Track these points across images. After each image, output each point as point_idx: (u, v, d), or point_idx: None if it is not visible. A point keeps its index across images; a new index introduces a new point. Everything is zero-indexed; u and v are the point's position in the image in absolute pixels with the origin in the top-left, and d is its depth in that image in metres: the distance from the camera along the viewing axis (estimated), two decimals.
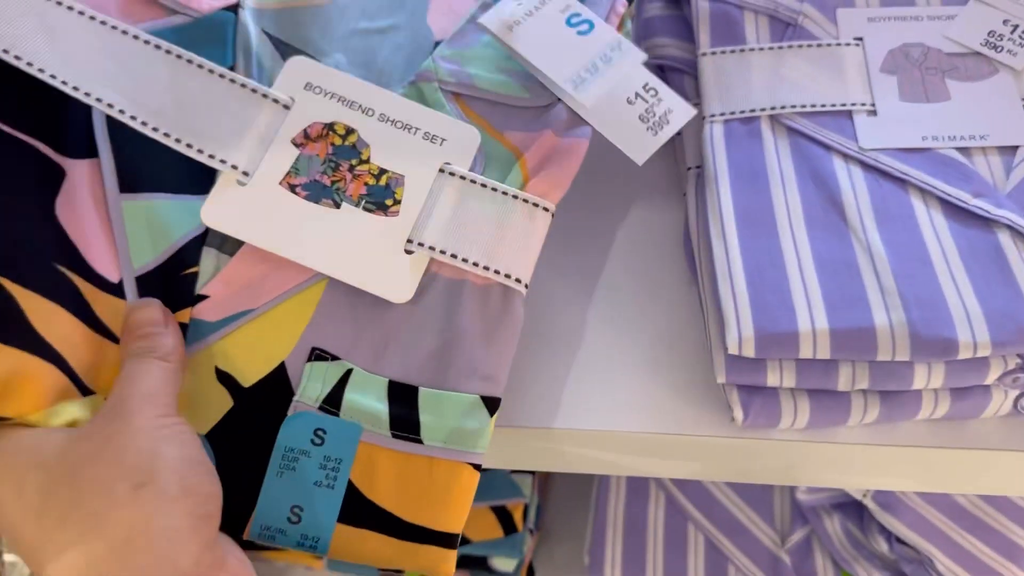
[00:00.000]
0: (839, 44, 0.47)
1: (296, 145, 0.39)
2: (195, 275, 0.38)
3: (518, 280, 0.38)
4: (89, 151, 0.38)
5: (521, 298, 0.38)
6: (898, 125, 0.44)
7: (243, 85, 0.39)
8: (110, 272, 0.37)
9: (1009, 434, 0.41)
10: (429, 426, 0.36)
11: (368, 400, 0.37)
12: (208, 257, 0.38)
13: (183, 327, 0.37)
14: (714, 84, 0.46)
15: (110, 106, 0.37)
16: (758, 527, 0.69)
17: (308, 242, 0.38)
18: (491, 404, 0.37)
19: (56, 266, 0.35)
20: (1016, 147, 0.43)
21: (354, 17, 0.43)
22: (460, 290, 0.38)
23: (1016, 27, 0.46)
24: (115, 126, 0.38)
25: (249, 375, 0.37)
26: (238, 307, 0.38)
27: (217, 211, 0.38)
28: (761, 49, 0.47)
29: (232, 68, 0.40)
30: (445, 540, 0.36)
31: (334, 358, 0.37)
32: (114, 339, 0.36)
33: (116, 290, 0.37)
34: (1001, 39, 0.46)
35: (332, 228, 0.38)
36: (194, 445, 0.33)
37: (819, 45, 0.47)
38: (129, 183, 0.38)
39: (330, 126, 0.39)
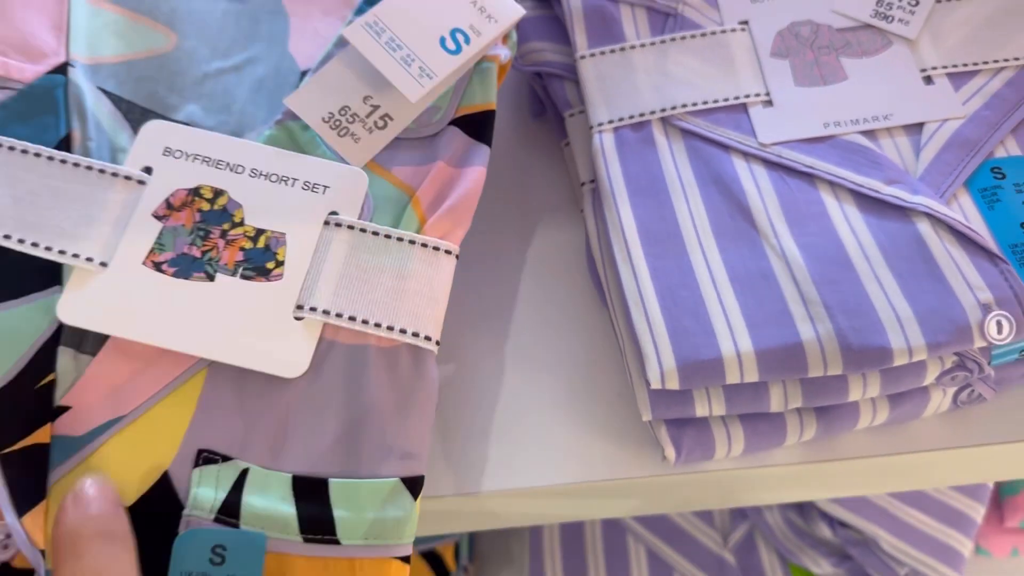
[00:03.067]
0: (724, 31, 0.43)
1: (158, 218, 0.34)
2: (51, 384, 0.33)
3: (427, 338, 0.34)
4: None
5: (433, 357, 0.34)
6: (796, 114, 0.41)
7: (88, 168, 0.34)
8: None
9: (950, 432, 0.39)
10: (345, 523, 0.32)
11: (271, 502, 0.32)
12: (65, 360, 0.33)
13: (41, 449, 0.32)
14: (597, 89, 0.42)
15: None
16: (699, 529, 0.66)
17: (181, 325, 0.33)
18: (414, 485, 0.33)
19: None
20: (922, 124, 0.40)
21: (204, 58, 0.38)
22: (362, 357, 0.34)
23: None
24: None
25: (128, 492, 0.32)
26: (106, 415, 0.33)
27: (74, 306, 0.33)
28: (643, 46, 0.43)
29: (67, 137, 0.35)
30: None
31: (225, 459, 0.33)
32: None
33: None
34: (891, 8, 0.43)
35: (207, 304, 0.33)
36: None
37: (703, 34, 0.43)
38: None
39: (195, 191, 0.35)
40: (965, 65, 0.42)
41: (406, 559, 0.32)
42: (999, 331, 0.34)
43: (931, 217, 0.37)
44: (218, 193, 0.35)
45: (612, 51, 0.43)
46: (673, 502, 0.41)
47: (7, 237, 0.33)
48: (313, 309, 0.34)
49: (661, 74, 0.42)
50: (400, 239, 0.35)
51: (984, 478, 0.42)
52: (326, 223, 0.35)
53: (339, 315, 0.33)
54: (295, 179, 0.35)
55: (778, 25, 0.43)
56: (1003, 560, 0.71)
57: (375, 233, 0.35)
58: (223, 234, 0.34)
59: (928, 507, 0.63)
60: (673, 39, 0.43)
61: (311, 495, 0.32)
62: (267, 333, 0.33)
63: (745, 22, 0.44)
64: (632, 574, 0.65)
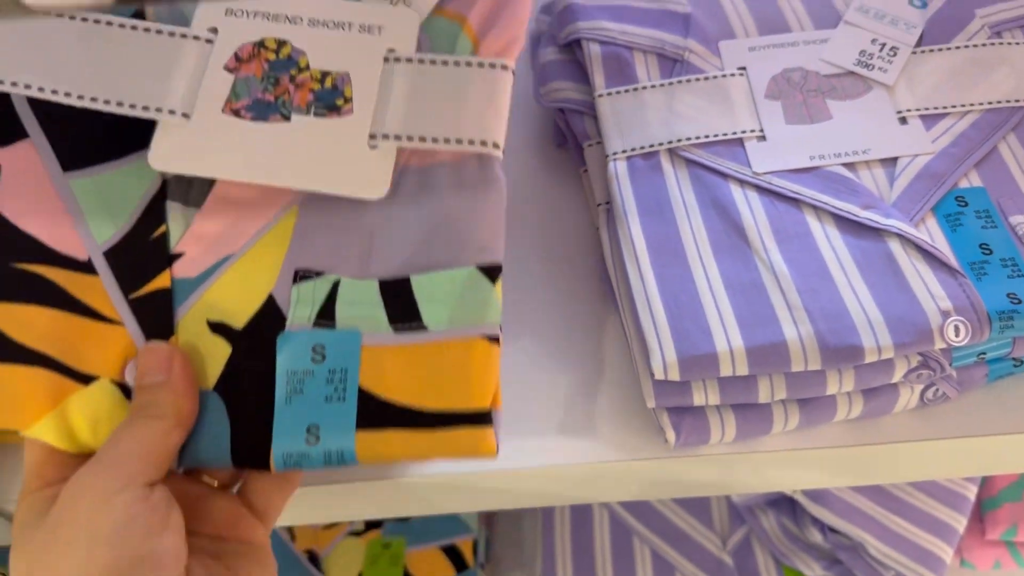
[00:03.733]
0: (724, 75, 0.50)
1: (229, 71, 0.39)
2: (165, 235, 0.38)
3: (495, 144, 0.38)
4: (19, 137, 0.38)
5: (498, 162, 0.38)
6: (786, 147, 0.47)
7: (158, 32, 0.38)
8: (76, 251, 0.36)
9: (922, 425, 0.44)
10: (430, 311, 0.36)
11: (362, 306, 0.37)
12: (174, 213, 0.38)
13: (164, 292, 0.37)
14: (613, 124, 0.49)
15: (27, 87, 0.36)
16: (699, 532, 0.71)
17: (266, 161, 0.37)
18: (491, 272, 0.37)
19: (15, 265, 0.35)
20: (896, 158, 0.46)
21: None
22: (434, 173, 0.38)
23: (884, 45, 0.50)
24: (39, 106, 0.38)
25: (240, 317, 0.37)
26: (216, 256, 0.38)
27: (165, 154, 0.37)
28: (653, 87, 0.49)
29: (139, 13, 0.39)
30: (476, 419, 0.35)
31: (319, 275, 0.37)
32: (99, 317, 0.36)
33: (87, 268, 0.36)
34: (872, 58, 0.50)
35: (288, 141, 0.38)
36: (137, 529, 0.32)
37: (706, 78, 0.49)
38: (71, 160, 0.38)
39: (260, 43, 0.39)
40: (936, 108, 0.48)
41: (493, 339, 0.36)
42: (956, 334, 0.40)
43: (901, 237, 0.43)
44: (281, 44, 0.39)
45: (626, 91, 0.49)
46: (672, 487, 0.46)
47: (97, 100, 0.37)
48: (386, 136, 0.38)
49: (668, 111, 0.48)
50: (456, 63, 0.39)
51: (953, 471, 0.47)
52: (385, 59, 0.39)
53: (410, 138, 0.38)
54: (351, 23, 0.39)
55: (772, 71, 0.50)
56: (986, 572, 0.76)
57: (432, 62, 0.39)
58: (292, 79, 0.39)
59: (913, 516, 0.68)
60: (680, 82, 0.49)
61: (397, 294, 0.37)
62: (347, 162, 0.38)
63: (743, 68, 0.50)
64: (637, 574, 0.70)
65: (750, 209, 0.45)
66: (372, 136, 0.38)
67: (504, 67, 0.39)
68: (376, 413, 0.35)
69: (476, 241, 0.37)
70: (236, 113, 0.38)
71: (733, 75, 0.50)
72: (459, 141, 0.38)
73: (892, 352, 0.40)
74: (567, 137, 0.53)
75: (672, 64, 0.50)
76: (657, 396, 0.42)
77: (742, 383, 0.41)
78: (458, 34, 0.40)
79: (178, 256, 0.38)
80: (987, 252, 0.43)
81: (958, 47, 0.50)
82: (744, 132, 0.48)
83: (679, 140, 0.47)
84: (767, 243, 0.44)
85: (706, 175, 0.46)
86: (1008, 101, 0.48)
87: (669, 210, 0.46)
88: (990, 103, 0.48)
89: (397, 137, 0.38)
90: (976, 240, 0.43)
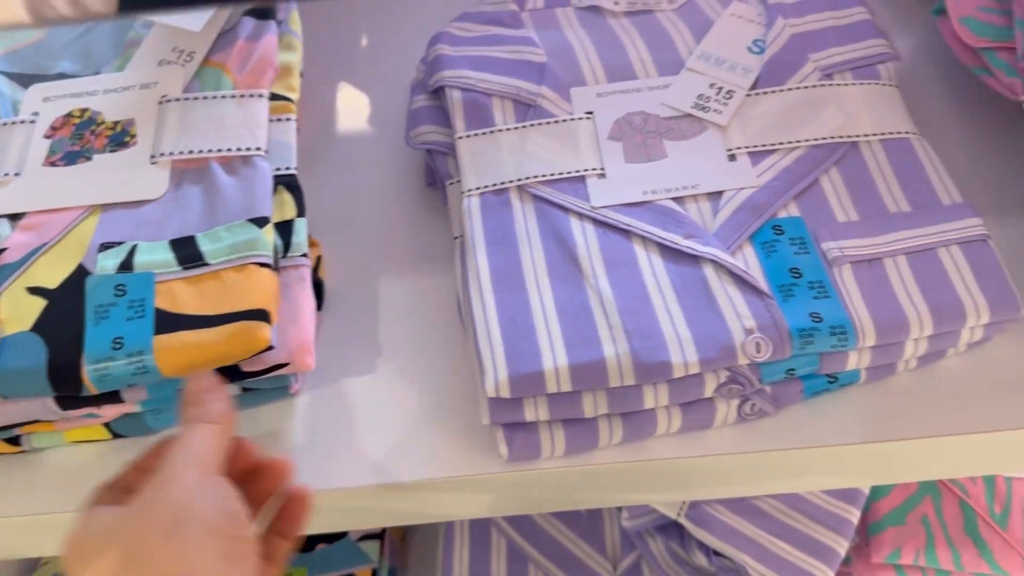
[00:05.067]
0: (573, 119, 0.54)
1: (47, 137, 0.53)
2: None
3: (257, 148, 0.51)
4: None
5: (261, 159, 0.51)
6: (623, 184, 0.51)
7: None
8: None
9: (742, 438, 0.47)
10: (211, 251, 0.47)
11: (156, 255, 0.47)
12: (2, 226, 0.50)
13: None
14: (470, 163, 0.53)
15: None
16: (592, 559, 0.74)
17: (77, 190, 0.51)
18: (259, 221, 0.48)
19: None
20: (722, 192, 0.50)
21: (67, 32, 0.58)
22: (208, 172, 0.51)
23: (721, 88, 0.54)
24: None
25: (54, 281, 0.47)
26: (33, 245, 0.48)
27: (5, 200, 0.51)
28: (508, 129, 0.53)
29: None
30: (254, 315, 0.45)
31: (120, 244, 0.48)
32: None
33: None
34: (708, 100, 0.54)
35: (91, 174, 0.51)
36: (229, 495, 0.36)
37: (556, 121, 0.54)
38: None
39: (68, 114, 0.54)
40: (764, 145, 0.52)
41: (262, 264, 0.46)
42: (758, 350, 0.44)
43: (715, 263, 0.47)
44: (83, 110, 0.54)
45: (483, 133, 0.53)
46: (517, 503, 0.49)
47: None
48: (163, 154, 0.52)
49: (520, 152, 0.52)
50: (215, 97, 0.53)
51: (774, 485, 0.51)
52: (160, 103, 0.53)
53: (181, 152, 0.51)
54: (133, 85, 0.54)
55: (616, 115, 0.54)
56: None
57: (196, 98, 0.53)
58: (92, 132, 0.53)
59: (794, 539, 0.70)
60: (532, 125, 0.53)
61: (184, 245, 0.47)
62: (134, 177, 0.51)
63: (591, 112, 0.54)
64: None
65: (585, 240, 0.49)
66: (152, 156, 0.52)
67: (261, 96, 0.53)
68: (169, 321, 0.45)
69: (246, 206, 0.49)
70: (53, 164, 0.52)
71: (581, 119, 0.54)
72: (226, 149, 0.51)
73: (699, 367, 0.43)
74: (436, 176, 0.57)
75: (527, 109, 0.55)
76: (492, 413, 0.45)
77: (568, 399, 0.45)
78: (221, 76, 0.55)
79: (3, 251, 0.48)
80: (796, 276, 0.47)
81: (790, 89, 0.54)
82: (587, 170, 0.52)
83: (528, 177, 0.51)
84: (597, 270, 0.47)
85: (549, 209, 0.50)
86: (833, 138, 0.52)
87: (514, 241, 0.49)
88: (816, 140, 0.52)
89: (171, 153, 0.52)
90: (788, 265, 0.47)
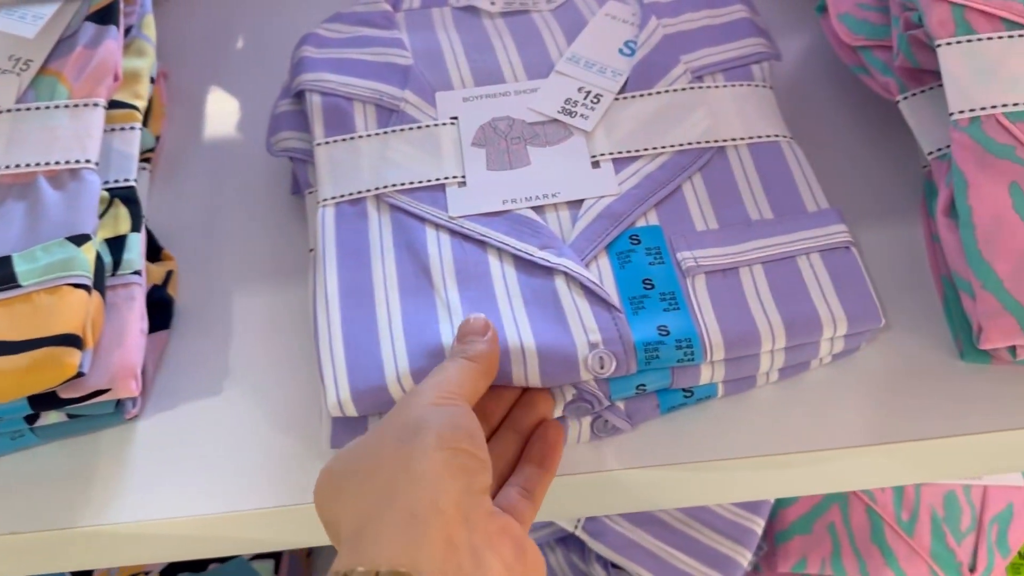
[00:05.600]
0: (436, 124, 0.52)
1: None
2: None
3: (87, 161, 0.49)
4: None
5: (90, 172, 0.49)
6: (483, 193, 0.49)
7: None
8: None
9: (594, 457, 0.46)
10: (24, 272, 0.44)
11: None
12: None
13: None
14: (327, 171, 0.51)
15: None
16: None
17: None
18: (77, 240, 0.45)
19: None
20: (583, 200, 0.49)
21: None
22: (33, 187, 0.48)
23: (589, 92, 0.53)
24: None
25: None
26: None
27: None
28: (368, 135, 0.51)
29: None
30: (63, 340, 0.42)
31: None
32: None
33: None
34: (576, 105, 0.52)
35: None
36: (464, 416, 0.37)
37: (419, 127, 0.52)
38: None
39: None
40: (628, 152, 0.50)
41: (78, 285, 0.44)
42: (601, 365, 0.42)
43: (567, 275, 0.45)
44: None
45: (343, 139, 0.52)
46: None
47: None
48: None
49: (380, 159, 0.50)
50: (47, 107, 0.50)
51: (624, 505, 0.48)
52: None
53: (7, 167, 0.49)
54: None
55: (481, 120, 0.52)
56: None
57: (28, 109, 0.50)
58: None
59: (694, 550, 0.69)
60: (394, 131, 0.52)
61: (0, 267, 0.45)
62: None
63: (455, 118, 0.52)
64: None
65: (439, 251, 0.47)
66: None
67: (96, 104, 0.51)
68: None
69: (68, 223, 0.46)
70: None
71: (445, 124, 0.52)
72: (54, 162, 0.49)
73: (539, 382, 0.42)
74: (298, 185, 0.55)
75: (389, 114, 0.53)
76: (334, 437, 0.44)
77: None
78: (56, 85, 0.52)
79: None
80: (649, 287, 0.45)
81: (659, 92, 0.53)
82: (447, 178, 0.50)
83: (386, 186, 0.49)
84: (448, 282, 0.46)
85: (406, 219, 0.49)
86: (699, 143, 0.51)
87: (366, 254, 0.47)
88: (681, 145, 0.50)
89: None
90: (641, 276, 0.45)
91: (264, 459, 0.46)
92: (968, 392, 0.46)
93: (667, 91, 0.53)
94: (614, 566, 0.69)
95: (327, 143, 0.52)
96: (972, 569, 0.75)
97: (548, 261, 0.46)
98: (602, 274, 0.46)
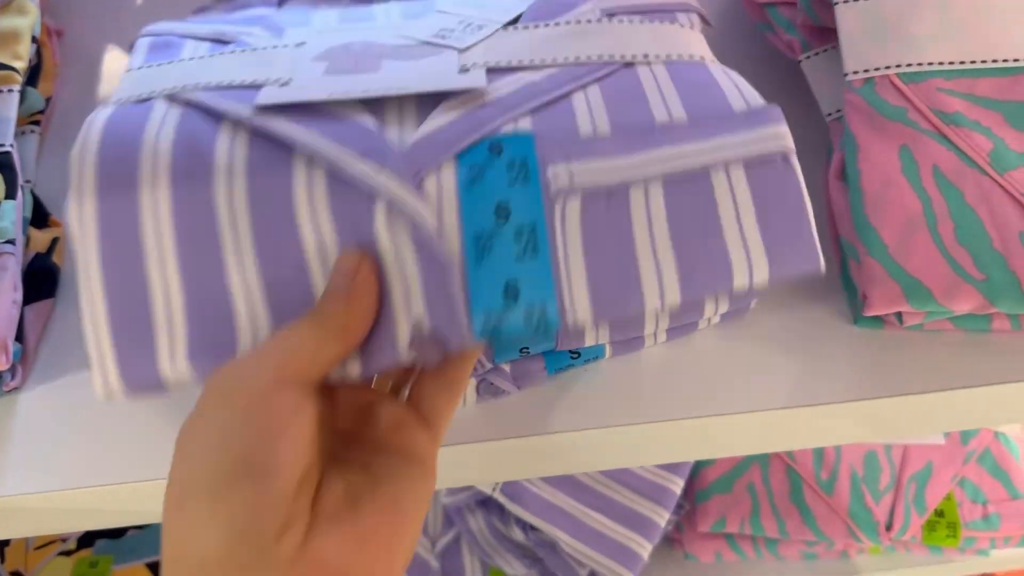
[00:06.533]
0: (277, 47, 0.29)
1: None
2: None
3: None
4: None
5: None
6: (305, 89, 0.26)
7: None
8: None
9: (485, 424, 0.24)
10: None
11: None
12: None
13: None
14: (128, 84, 0.28)
15: None
16: None
17: None
18: None
19: None
20: (439, 104, 0.26)
21: None
22: None
23: (471, 24, 0.30)
24: None
25: None
26: None
27: None
28: (192, 60, 0.29)
29: None
30: None
31: None
32: None
33: None
34: (452, 32, 0.29)
35: None
36: (255, 410, 0.19)
37: (253, 50, 0.29)
38: None
39: None
40: (509, 63, 0.27)
41: None
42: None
43: (390, 205, 0.23)
44: None
45: (157, 65, 0.29)
46: None
47: None
48: None
49: (192, 70, 0.28)
50: None
51: (512, 472, 0.27)
52: None
53: None
54: None
55: (332, 44, 0.30)
56: (709, 564, 0.54)
57: None
58: None
59: (611, 511, 0.46)
60: (223, 53, 0.29)
61: None
62: None
63: (302, 43, 0.30)
64: None
65: (230, 158, 0.24)
66: None
67: None
68: None
69: None
70: None
71: (287, 46, 0.29)
72: None
73: (359, 370, 0.19)
74: None
75: (224, 46, 0.30)
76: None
77: None
78: None
79: None
80: (503, 217, 0.23)
81: (558, 23, 0.29)
82: (269, 81, 0.26)
83: (184, 85, 0.26)
84: (237, 204, 0.23)
85: (197, 117, 0.25)
86: (602, 56, 0.28)
87: (134, 162, 0.24)
88: (578, 58, 0.28)
89: None
90: (494, 200, 0.23)
91: (152, 429, 0.25)
92: (861, 357, 0.26)
93: (567, 22, 0.29)
94: (533, 528, 0.47)
95: (138, 69, 0.29)
96: (889, 527, 0.51)
97: (367, 178, 0.23)
98: (443, 195, 0.23)
